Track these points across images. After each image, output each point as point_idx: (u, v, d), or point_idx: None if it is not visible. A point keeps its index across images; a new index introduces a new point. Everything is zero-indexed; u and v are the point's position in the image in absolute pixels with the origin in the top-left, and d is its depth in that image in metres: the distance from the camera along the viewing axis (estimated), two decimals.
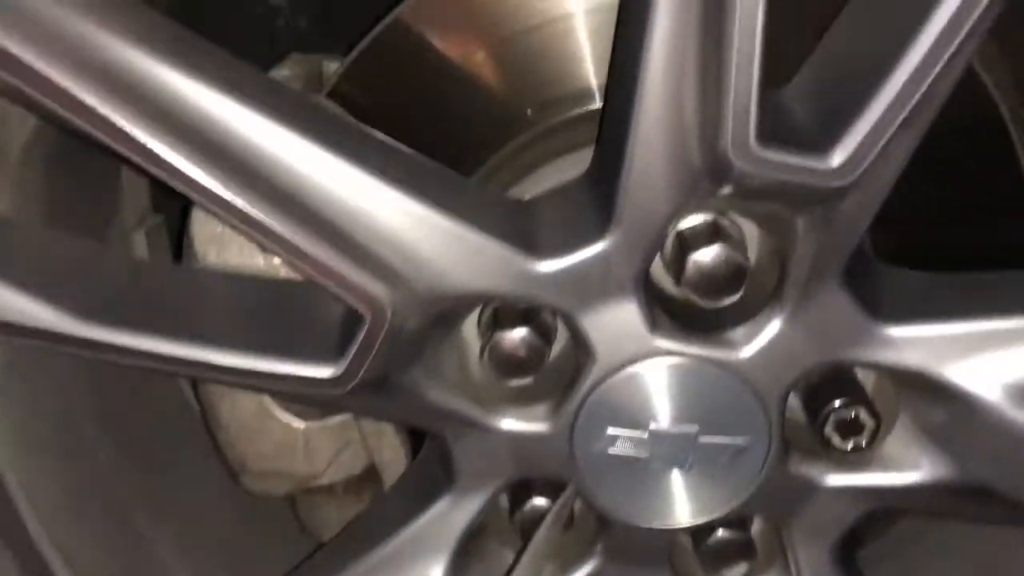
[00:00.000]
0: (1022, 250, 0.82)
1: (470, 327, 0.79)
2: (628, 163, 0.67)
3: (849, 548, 0.82)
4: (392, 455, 0.89)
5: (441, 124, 0.84)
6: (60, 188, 0.84)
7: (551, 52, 0.85)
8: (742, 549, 0.81)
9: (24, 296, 0.66)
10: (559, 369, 0.78)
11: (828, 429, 0.77)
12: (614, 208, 0.69)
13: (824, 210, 0.67)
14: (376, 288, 0.67)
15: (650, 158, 0.65)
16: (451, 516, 0.79)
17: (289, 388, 0.69)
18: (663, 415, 0.76)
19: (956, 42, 0.61)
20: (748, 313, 0.74)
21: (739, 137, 0.63)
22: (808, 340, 0.73)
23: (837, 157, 0.64)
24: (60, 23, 0.59)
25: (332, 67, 0.89)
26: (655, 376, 0.75)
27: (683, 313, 0.75)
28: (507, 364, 0.75)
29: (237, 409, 0.87)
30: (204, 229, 0.81)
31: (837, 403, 0.76)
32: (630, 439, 0.77)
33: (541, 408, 0.77)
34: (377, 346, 0.67)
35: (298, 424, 0.88)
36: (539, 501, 0.82)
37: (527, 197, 0.77)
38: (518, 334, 0.75)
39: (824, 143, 0.64)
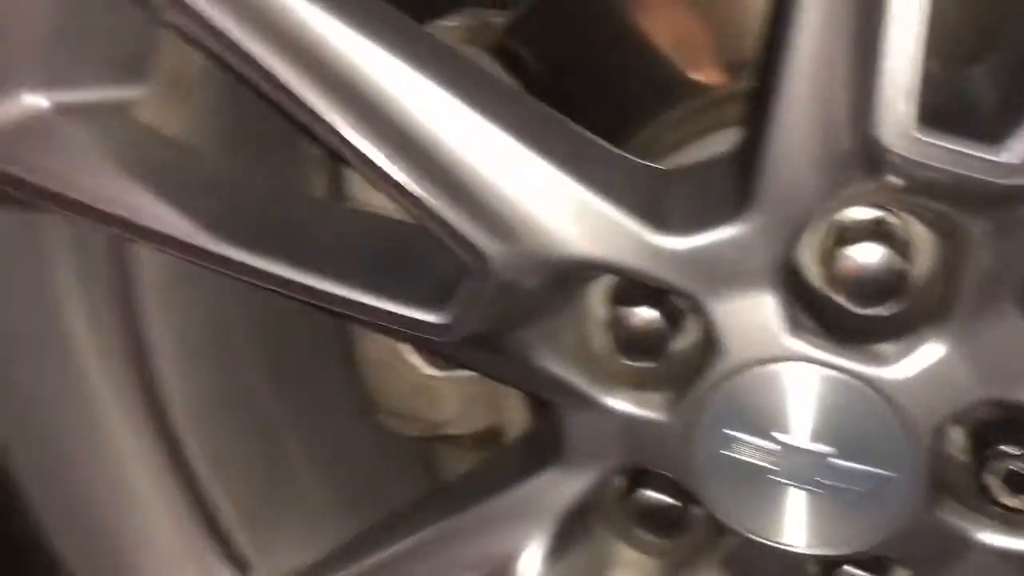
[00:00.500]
0: None
1: (599, 298, 0.70)
2: (770, 140, 0.55)
3: None
4: (517, 415, 0.83)
5: (603, 87, 0.74)
6: (246, 114, 0.83)
7: (732, 19, 0.73)
8: None
9: (164, 203, 0.65)
10: (686, 357, 0.68)
11: (992, 478, 0.62)
12: (752, 188, 0.58)
13: (1005, 215, 0.52)
14: (482, 240, 0.60)
15: (793, 136, 0.54)
16: (556, 490, 0.72)
17: (398, 327, 0.64)
18: (793, 426, 0.64)
19: None
20: (906, 327, 0.61)
21: (894, 118, 0.50)
22: (975, 369, 0.58)
23: (1017, 149, 0.49)
24: None
25: (499, 21, 0.82)
26: (787, 381, 0.63)
27: (830, 316, 0.62)
28: (629, 343, 0.66)
29: (372, 346, 0.83)
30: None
31: (1009, 450, 0.61)
32: (752, 445, 0.66)
33: (661, 395, 0.68)
34: (481, 300, 0.60)
35: (427, 370, 0.83)
36: (653, 493, 0.72)
37: (665, 167, 0.66)
38: (644, 313, 0.66)
39: (1001, 133, 0.49)
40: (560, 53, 0.80)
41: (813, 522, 0.68)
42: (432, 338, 0.66)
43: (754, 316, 0.62)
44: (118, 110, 0.69)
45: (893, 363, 0.61)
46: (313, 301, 0.67)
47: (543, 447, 0.76)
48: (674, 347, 0.68)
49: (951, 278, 0.59)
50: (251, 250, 0.67)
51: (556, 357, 0.69)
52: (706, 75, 0.74)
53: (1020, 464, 0.62)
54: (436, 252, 0.68)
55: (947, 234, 0.59)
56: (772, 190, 0.57)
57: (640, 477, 0.75)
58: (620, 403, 0.70)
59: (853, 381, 0.62)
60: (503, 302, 0.65)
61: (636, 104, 0.76)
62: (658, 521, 0.75)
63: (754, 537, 0.69)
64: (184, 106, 0.76)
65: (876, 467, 0.64)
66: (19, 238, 0.77)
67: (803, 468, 0.66)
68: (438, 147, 0.60)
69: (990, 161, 0.51)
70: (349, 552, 0.82)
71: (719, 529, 0.72)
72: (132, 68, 0.70)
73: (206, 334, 0.86)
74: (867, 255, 0.59)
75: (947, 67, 0.53)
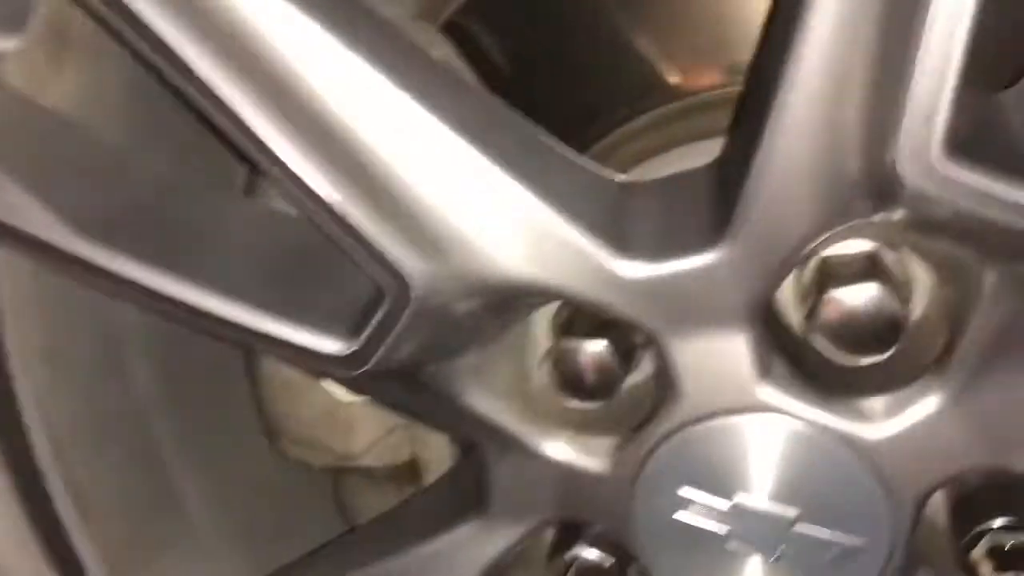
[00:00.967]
0: None
1: (540, 328, 0.57)
2: (760, 158, 0.43)
3: None
4: (436, 453, 0.69)
5: (565, 81, 0.61)
6: (150, 87, 0.66)
7: (721, 15, 0.61)
8: None
9: (18, 188, 0.48)
10: (634, 400, 0.55)
11: (977, 554, 0.51)
12: (734, 213, 0.45)
13: None
14: (403, 258, 0.46)
15: (789, 155, 0.42)
16: (477, 544, 0.58)
17: (295, 359, 0.49)
18: (755, 486, 0.52)
19: None
20: (896, 381, 0.50)
21: (917, 146, 0.38)
22: (972, 432, 0.48)
23: None
24: None
25: None
26: (754, 436, 0.52)
27: (808, 364, 0.50)
28: (572, 380, 0.53)
29: (280, 367, 0.68)
30: None
31: (996, 523, 0.50)
32: (706, 507, 0.53)
33: (603, 442, 0.55)
34: (398, 327, 0.46)
35: (342, 396, 0.68)
36: (585, 552, 0.59)
37: (631, 180, 0.53)
38: (591, 347, 0.53)
39: None
40: (521, 37, 0.66)
41: None
42: (337, 372, 0.52)
43: (720, 359, 0.50)
44: None
45: (879, 420, 0.50)
46: (190, 323, 0.52)
47: (464, 494, 0.63)
48: (623, 388, 0.55)
49: (953, 328, 0.48)
50: (116, 252, 0.52)
51: (485, 394, 0.56)
52: (683, 77, 0.62)
53: (1005, 537, 0.51)
54: (350, 269, 0.54)
55: (953, 278, 0.48)
56: (757, 216, 0.45)
57: (572, 531, 0.62)
58: (556, 449, 0.57)
59: (829, 438, 0.50)
60: (426, 330, 0.51)
61: (600, 104, 0.63)
62: None
63: None
64: (67, 69, 0.60)
65: (845, 534, 0.52)
66: None
67: (761, 534, 0.54)
68: (354, 137, 0.46)
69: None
70: None
71: None
72: (4, 15, 0.54)
73: (85, 349, 0.70)
74: (857, 296, 0.47)
75: (978, 90, 0.41)
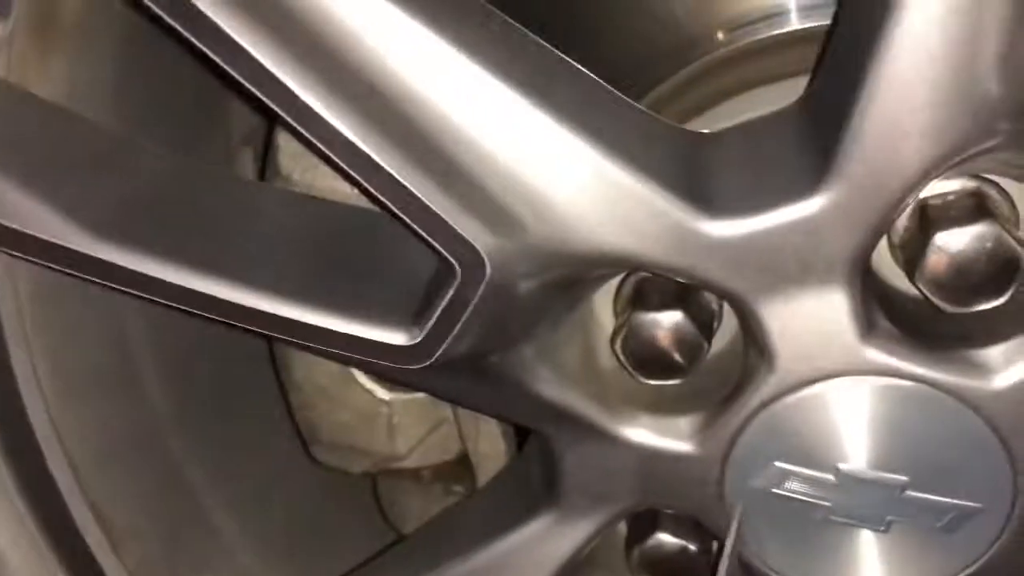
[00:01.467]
0: None
1: (604, 304, 0.51)
2: (869, 89, 0.37)
3: None
4: (490, 446, 0.63)
5: (605, 34, 0.55)
6: (141, 76, 0.59)
7: None
8: None
9: (27, 197, 0.41)
10: (718, 373, 0.49)
11: None
12: (836, 154, 0.40)
13: None
14: (474, 232, 0.39)
15: (909, 81, 0.36)
16: (549, 541, 0.52)
17: (350, 353, 0.43)
18: (859, 455, 0.47)
19: None
20: (1013, 326, 0.43)
21: None
22: None
23: None
24: None
25: None
26: (858, 401, 0.46)
27: (912, 318, 0.45)
28: (647, 357, 0.48)
29: (314, 368, 0.62)
30: (292, 140, 0.56)
31: None
32: (807, 479, 0.47)
33: (688, 421, 0.49)
34: (468, 312, 0.40)
35: (383, 394, 0.62)
36: (665, 538, 0.53)
37: (705, 132, 0.47)
38: (667, 319, 0.47)
39: None
40: None
41: (880, 567, 0.50)
42: (399, 365, 0.46)
43: (819, 320, 0.44)
44: None
45: (995, 371, 0.45)
46: (237, 323, 0.46)
47: (533, 488, 0.57)
48: (704, 360, 0.49)
49: None
50: (145, 254, 0.45)
51: (553, 380, 0.50)
52: (729, 24, 0.56)
53: None
54: (402, 252, 0.47)
55: None
56: (865, 153, 0.39)
57: (646, 521, 0.56)
58: (634, 432, 0.51)
59: (941, 396, 0.45)
60: (494, 313, 0.45)
61: (642, 57, 0.56)
62: (671, 570, 0.56)
63: None
64: (55, 55, 0.53)
65: (960, 499, 0.47)
66: None
67: (869, 504, 0.48)
68: (420, 107, 0.39)
69: None
70: None
71: None
72: None
73: (95, 361, 0.63)
74: (969, 238, 0.42)
75: None
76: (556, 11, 0.58)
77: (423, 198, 0.41)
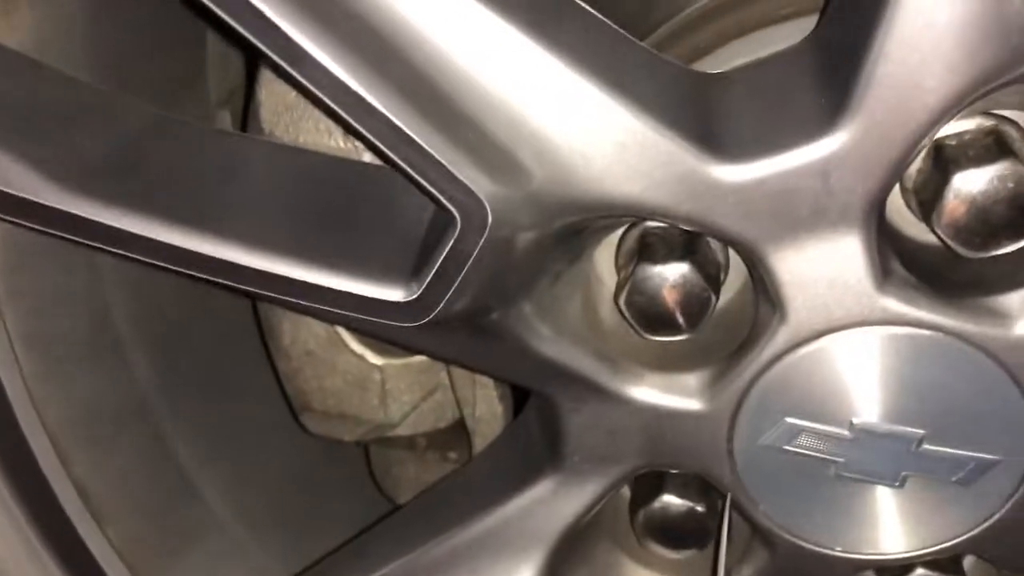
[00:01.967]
0: None
1: (604, 259, 0.48)
2: (890, 13, 0.34)
3: None
4: (487, 410, 0.61)
5: None
6: (114, 28, 0.56)
7: None
8: None
9: (1, 153, 0.39)
10: (726, 327, 0.47)
11: None
12: (851, 92, 0.37)
13: None
14: (475, 179, 0.37)
15: (933, 3, 0.33)
16: (553, 505, 0.51)
17: (343, 311, 0.41)
18: (873, 408, 0.45)
19: None
20: None
21: None
22: None
23: None
24: None
25: None
26: (873, 352, 0.44)
27: (928, 265, 0.43)
28: (653, 312, 0.46)
29: (302, 333, 0.60)
30: (274, 94, 0.53)
31: None
32: (820, 435, 0.46)
33: (694, 378, 0.48)
34: (468, 265, 0.38)
35: (375, 359, 0.60)
36: (671, 499, 0.52)
37: (711, 73, 0.44)
38: (672, 272, 0.45)
39: None
40: None
41: (895, 522, 0.49)
42: (396, 323, 0.43)
43: (834, 268, 0.43)
44: None
45: (1015, 319, 0.43)
46: (225, 281, 0.43)
47: (534, 451, 0.55)
48: (711, 314, 0.47)
49: None
50: (126, 210, 0.42)
51: (554, 339, 0.48)
52: None
53: None
54: (396, 205, 0.45)
55: None
56: (886, 89, 0.37)
57: (652, 483, 0.55)
58: (640, 390, 0.49)
59: (959, 344, 0.43)
60: (493, 267, 0.43)
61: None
62: (677, 532, 0.54)
63: (815, 547, 0.49)
64: (22, 4, 0.50)
65: (978, 451, 0.45)
66: None
67: (883, 458, 0.47)
68: (418, 47, 0.37)
69: None
70: None
71: (763, 539, 0.52)
72: None
73: (76, 331, 0.60)
74: (988, 179, 0.40)
75: None
76: None
77: (422, 143, 0.38)
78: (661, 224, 0.48)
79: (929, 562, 0.54)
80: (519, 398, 0.64)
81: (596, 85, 0.41)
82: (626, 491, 0.58)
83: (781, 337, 0.46)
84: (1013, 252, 0.43)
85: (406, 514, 0.61)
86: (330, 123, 0.56)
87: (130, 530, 0.62)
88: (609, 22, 0.43)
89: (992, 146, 0.43)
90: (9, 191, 0.41)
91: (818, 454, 0.49)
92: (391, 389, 0.64)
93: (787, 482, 0.50)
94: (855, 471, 0.49)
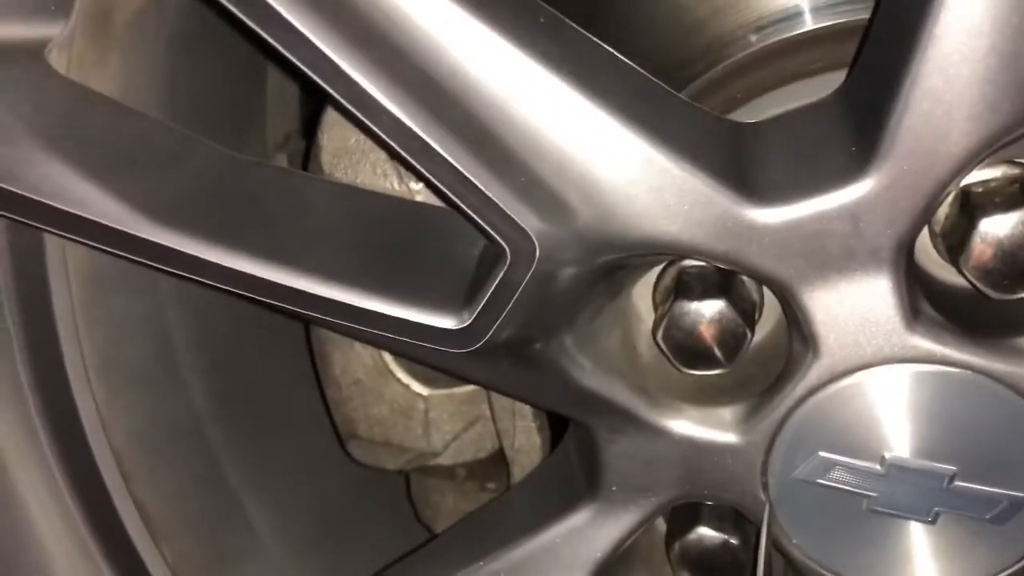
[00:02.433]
0: None
1: (642, 296, 0.51)
2: (916, 67, 0.37)
3: None
4: (526, 442, 0.64)
5: (637, 30, 0.56)
6: (186, 77, 0.61)
7: None
8: None
9: (88, 183, 0.43)
10: (761, 362, 0.50)
11: None
12: (880, 140, 0.40)
13: None
14: (525, 217, 0.40)
15: (957, 58, 0.37)
16: (590, 535, 0.53)
17: (400, 337, 0.43)
18: (905, 444, 0.47)
19: None
20: None
21: None
22: None
23: None
24: None
25: None
26: (904, 389, 0.46)
27: (956, 306, 0.45)
28: (690, 347, 0.48)
29: (352, 362, 0.63)
30: (335, 138, 0.57)
31: None
32: (853, 469, 0.48)
33: (730, 412, 0.50)
34: (516, 296, 0.41)
35: (420, 388, 0.63)
36: (706, 531, 0.53)
37: (746, 122, 0.47)
38: (709, 308, 0.47)
39: None
40: None
41: (927, 557, 0.50)
42: (448, 349, 0.46)
43: (865, 307, 0.45)
44: (29, 54, 0.47)
45: None
46: (290, 306, 0.46)
47: (572, 482, 0.57)
48: (747, 350, 0.49)
49: None
50: (204, 240, 0.46)
51: (594, 370, 0.51)
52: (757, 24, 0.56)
53: None
54: (449, 240, 0.48)
55: None
56: (913, 137, 0.39)
57: (687, 515, 0.56)
58: (676, 423, 0.51)
59: (988, 383, 0.45)
60: (538, 300, 0.46)
61: (674, 57, 0.57)
62: (712, 564, 0.56)
63: None
64: (112, 56, 0.55)
65: (1010, 489, 0.47)
66: None
67: (917, 493, 0.48)
68: (476, 97, 0.40)
69: None
70: None
71: (791, 572, 0.53)
72: (49, 1, 0.48)
73: (140, 355, 0.64)
74: (1015, 223, 0.42)
75: None
76: (591, 11, 0.59)
77: (478, 184, 0.42)
78: (697, 263, 0.51)
79: None
80: (557, 431, 0.67)
81: (638, 133, 0.44)
82: (661, 523, 0.60)
83: (814, 373, 0.48)
84: None
85: (447, 539, 0.64)
86: (387, 166, 0.60)
87: (182, 547, 0.65)
88: (649, 75, 0.46)
89: (1018, 193, 0.45)
90: (104, 222, 0.45)
91: (851, 488, 0.51)
92: (434, 419, 0.67)
93: (820, 516, 0.52)
94: (887, 506, 0.51)
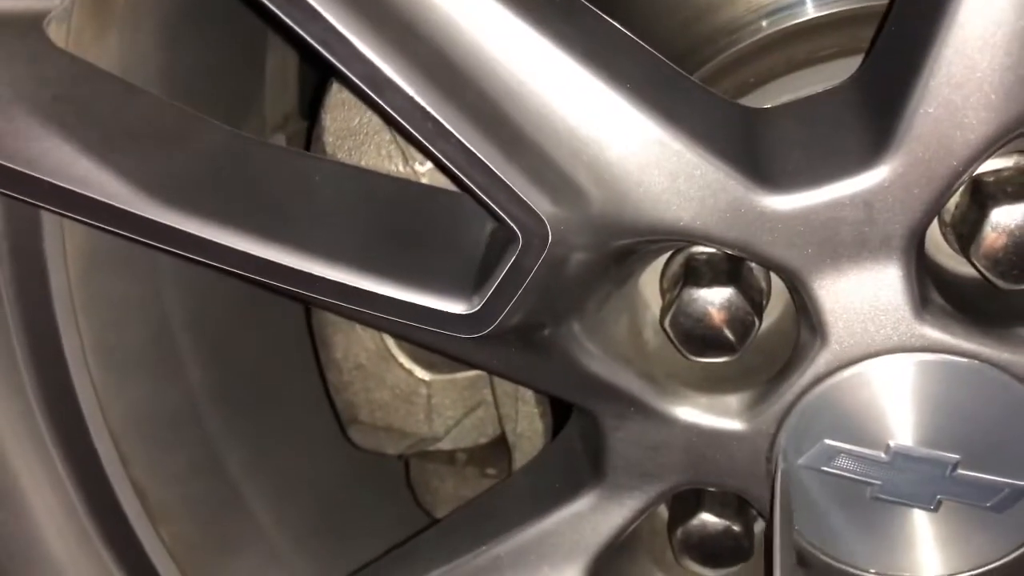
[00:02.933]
0: None
1: (650, 283, 0.51)
2: (934, 55, 0.37)
3: None
4: (528, 427, 0.64)
5: (648, 14, 0.56)
6: (185, 55, 0.60)
7: None
8: None
9: (88, 159, 0.42)
10: (768, 350, 0.50)
11: None
12: (896, 128, 0.40)
13: None
14: (537, 200, 0.40)
15: (976, 47, 0.37)
16: (593, 520, 0.53)
17: (408, 321, 0.43)
18: (910, 433, 0.47)
19: None
20: None
21: None
22: None
23: None
24: None
25: None
26: (910, 377, 0.46)
27: (965, 296, 0.45)
28: (698, 334, 0.48)
29: (354, 346, 0.63)
30: (339, 119, 0.57)
31: None
32: (857, 457, 0.48)
33: (736, 399, 0.50)
34: (527, 281, 0.41)
35: (422, 374, 0.63)
36: (708, 518, 0.54)
37: (760, 107, 0.47)
38: (718, 295, 0.47)
39: None
40: None
41: (930, 544, 0.50)
42: (456, 334, 0.46)
43: (874, 295, 0.45)
44: (28, 26, 0.46)
45: None
46: (295, 289, 0.46)
47: (575, 468, 0.57)
48: (754, 337, 0.49)
49: None
50: (207, 219, 0.46)
51: (601, 357, 0.51)
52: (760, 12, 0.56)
53: None
54: (458, 224, 0.48)
55: None
56: (929, 126, 0.39)
57: (690, 502, 0.57)
58: (682, 410, 0.51)
59: (995, 372, 0.45)
60: (549, 285, 0.46)
61: (688, 32, 0.57)
62: (714, 551, 0.56)
63: (851, 568, 0.51)
64: (110, 31, 0.54)
65: (1012, 478, 0.47)
66: None
67: (920, 480, 0.49)
68: (490, 77, 0.40)
69: None
70: None
71: (799, 559, 0.54)
72: None
73: (137, 339, 0.63)
74: (1020, 215, 0.42)
75: None
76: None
77: (491, 166, 0.41)
78: (706, 250, 0.50)
79: None
80: (559, 417, 0.67)
81: (651, 117, 0.44)
82: (664, 510, 0.60)
83: (822, 361, 0.48)
84: None
85: (450, 524, 0.64)
86: (391, 148, 0.60)
87: (181, 531, 0.65)
88: (664, 58, 0.46)
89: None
90: (104, 200, 0.44)
91: (855, 476, 0.51)
92: (436, 404, 0.67)
93: (825, 503, 0.52)
94: (891, 493, 0.51)
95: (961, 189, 0.46)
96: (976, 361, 0.47)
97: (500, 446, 0.69)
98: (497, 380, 0.64)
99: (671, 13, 0.58)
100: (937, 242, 0.49)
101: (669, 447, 0.53)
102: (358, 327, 0.64)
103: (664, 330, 0.51)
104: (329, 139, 0.60)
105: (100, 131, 0.47)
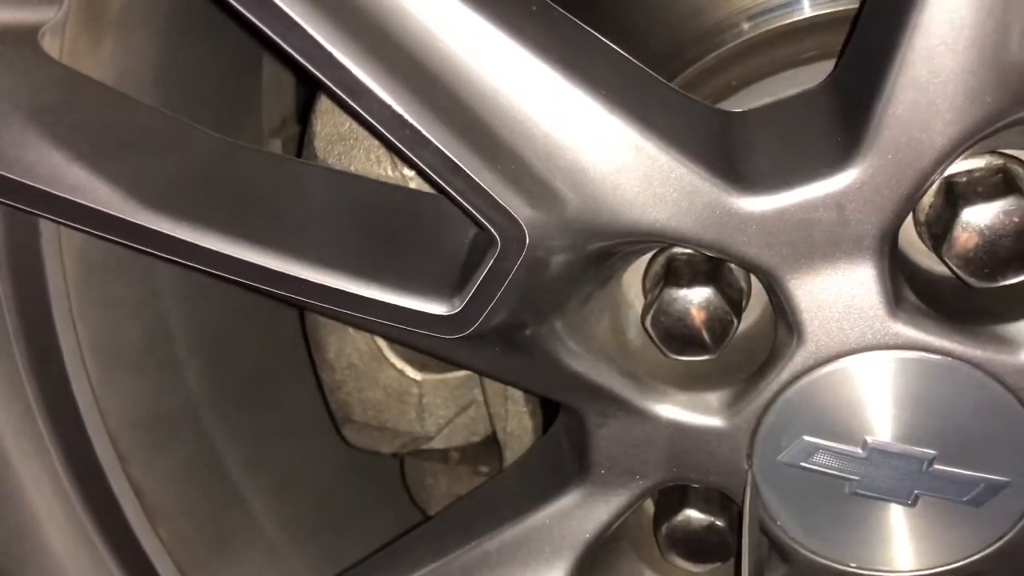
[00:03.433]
0: None
1: (632, 282, 0.52)
2: (901, 59, 0.38)
3: None
4: (518, 426, 0.65)
5: (632, 18, 0.56)
6: (181, 63, 0.62)
7: None
8: None
9: (81, 168, 0.43)
10: (747, 349, 0.51)
11: None
12: (866, 130, 0.41)
13: None
14: (515, 204, 0.41)
15: (941, 51, 0.37)
16: (579, 516, 0.54)
17: (393, 323, 0.44)
18: (887, 429, 0.48)
19: None
20: None
21: None
22: None
23: None
24: None
25: None
26: (886, 374, 0.47)
27: (939, 294, 0.46)
28: (678, 333, 0.49)
29: (346, 347, 0.64)
30: (329, 124, 0.58)
31: None
32: (835, 453, 0.49)
33: (716, 397, 0.51)
34: (506, 283, 0.42)
35: (414, 373, 0.64)
36: (693, 513, 0.55)
37: (734, 111, 0.48)
38: (697, 295, 0.48)
39: None
40: None
41: (906, 539, 0.51)
42: (440, 335, 0.47)
43: (848, 294, 0.46)
44: (23, 39, 0.47)
45: (1022, 346, 0.45)
46: (282, 292, 0.47)
47: (562, 465, 0.58)
48: (733, 336, 0.50)
49: None
50: (195, 224, 0.47)
51: (584, 356, 0.52)
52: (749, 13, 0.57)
53: None
54: (440, 228, 0.49)
55: None
56: (898, 127, 0.40)
57: (674, 498, 0.58)
58: (663, 407, 0.52)
59: (968, 369, 0.46)
60: (528, 286, 0.47)
61: (667, 46, 0.58)
62: (699, 546, 0.57)
63: (830, 563, 0.52)
64: (105, 41, 0.55)
65: (987, 472, 0.48)
66: None
67: (897, 476, 0.49)
68: (466, 84, 0.41)
69: None
70: None
71: (780, 554, 0.55)
72: None
73: (135, 339, 0.65)
74: (998, 213, 0.43)
75: None
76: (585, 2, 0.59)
77: (468, 171, 0.42)
78: (687, 250, 0.52)
79: None
80: (548, 415, 0.68)
81: (627, 121, 0.45)
82: (650, 506, 0.61)
83: (799, 359, 0.49)
84: (1019, 283, 0.46)
85: (440, 521, 0.65)
86: (380, 153, 0.61)
87: (180, 530, 0.66)
88: (638, 63, 0.47)
89: (1000, 183, 0.46)
90: (96, 207, 0.46)
91: (833, 471, 0.52)
92: (428, 403, 0.68)
93: (804, 498, 0.53)
94: (869, 489, 0.52)
95: (934, 189, 0.47)
96: (950, 358, 0.48)
97: (492, 445, 0.70)
98: (487, 380, 0.66)
99: (657, 17, 0.59)
100: (913, 241, 0.50)
101: (651, 444, 0.54)
102: (350, 328, 0.65)
103: (645, 329, 0.52)
104: (319, 144, 0.62)
105: (92, 140, 0.48)
